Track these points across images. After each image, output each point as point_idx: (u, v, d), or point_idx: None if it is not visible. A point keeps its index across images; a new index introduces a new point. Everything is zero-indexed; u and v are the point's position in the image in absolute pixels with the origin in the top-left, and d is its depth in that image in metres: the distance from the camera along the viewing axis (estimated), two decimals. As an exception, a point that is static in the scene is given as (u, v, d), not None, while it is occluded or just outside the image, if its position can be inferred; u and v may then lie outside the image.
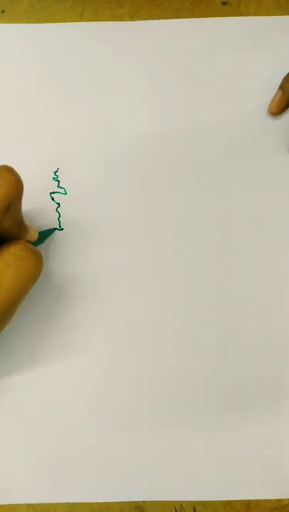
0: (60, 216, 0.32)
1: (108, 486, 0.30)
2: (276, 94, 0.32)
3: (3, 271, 0.22)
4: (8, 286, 0.22)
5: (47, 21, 0.34)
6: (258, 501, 0.30)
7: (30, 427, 0.30)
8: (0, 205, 0.21)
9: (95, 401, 0.30)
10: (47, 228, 0.31)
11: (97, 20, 0.34)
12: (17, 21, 0.34)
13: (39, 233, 0.27)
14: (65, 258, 0.31)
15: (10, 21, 0.34)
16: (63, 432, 0.30)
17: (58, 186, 0.32)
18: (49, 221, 0.32)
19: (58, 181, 0.32)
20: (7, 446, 0.30)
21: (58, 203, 0.32)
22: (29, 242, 0.25)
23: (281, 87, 0.32)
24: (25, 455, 0.30)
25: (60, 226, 0.32)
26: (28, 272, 0.22)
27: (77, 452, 0.30)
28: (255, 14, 0.33)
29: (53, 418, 0.30)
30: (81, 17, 0.34)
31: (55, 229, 0.31)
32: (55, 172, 0.32)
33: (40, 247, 0.29)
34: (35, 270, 0.23)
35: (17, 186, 0.22)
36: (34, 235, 0.26)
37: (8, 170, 0.22)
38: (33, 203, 0.32)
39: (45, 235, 0.30)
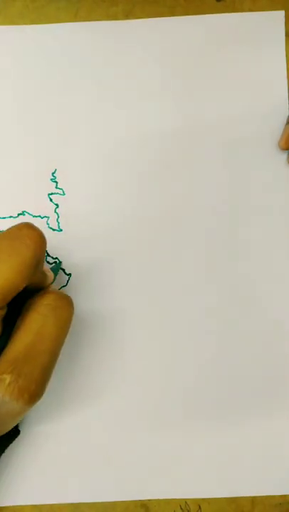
0: (58, 217, 0.32)
1: (112, 485, 0.30)
2: (285, 129, 0.31)
3: (42, 324, 0.22)
4: (50, 338, 0.22)
5: (41, 22, 0.34)
6: (262, 497, 0.30)
7: (34, 427, 0.30)
8: (31, 265, 0.21)
9: (99, 401, 0.30)
10: (52, 264, 0.31)
11: (92, 20, 0.34)
12: (11, 23, 0.34)
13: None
14: (64, 259, 0.31)
15: (3, 23, 0.34)
16: (67, 432, 0.30)
17: (56, 187, 0.32)
18: (47, 223, 0.32)
19: (56, 182, 0.32)
20: (11, 448, 0.30)
21: (57, 204, 0.32)
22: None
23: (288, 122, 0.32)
24: (29, 457, 0.30)
25: (59, 227, 0.32)
26: (65, 319, 0.23)
27: (82, 452, 0.30)
28: (250, 10, 0.33)
29: (58, 419, 0.30)
30: (75, 17, 0.34)
31: (60, 262, 0.31)
32: (53, 173, 0.32)
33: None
34: (70, 315, 0.23)
35: (42, 242, 0.22)
36: (51, 277, 0.26)
37: (30, 227, 0.22)
38: (31, 205, 0.32)
39: (55, 271, 0.30)
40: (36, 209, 0.32)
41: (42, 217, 0.32)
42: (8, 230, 0.22)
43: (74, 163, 0.32)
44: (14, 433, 0.26)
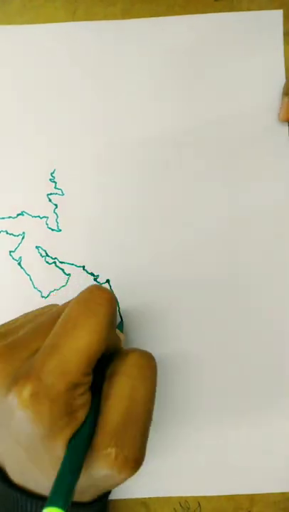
0: (57, 218, 0.32)
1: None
2: (282, 101, 0.32)
3: (133, 387, 0.21)
4: (144, 399, 0.21)
5: (39, 21, 0.34)
6: (261, 495, 0.30)
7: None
8: (108, 323, 0.21)
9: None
10: (51, 264, 0.31)
11: (90, 19, 0.33)
12: (9, 22, 0.34)
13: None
14: (63, 259, 0.31)
15: (1, 22, 0.34)
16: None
17: (55, 188, 0.32)
18: (47, 223, 0.32)
19: (55, 182, 0.32)
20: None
21: (56, 205, 0.32)
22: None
23: (286, 93, 0.32)
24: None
25: (58, 227, 0.32)
26: (152, 376, 0.22)
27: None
28: (248, 9, 0.33)
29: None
30: (73, 16, 0.34)
31: (122, 321, 0.31)
32: (52, 173, 0.32)
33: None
34: (155, 371, 0.23)
35: (113, 300, 0.21)
36: (123, 337, 0.26)
37: (99, 288, 0.21)
38: (31, 205, 0.32)
39: (120, 330, 0.30)
40: (35, 209, 0.32)
41: (41, 218, 0.32)
42: (79, 295, 0.21)
43: (73, 164, 0.32)
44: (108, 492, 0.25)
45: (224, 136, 0.32)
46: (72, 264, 0.31)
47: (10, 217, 0.32)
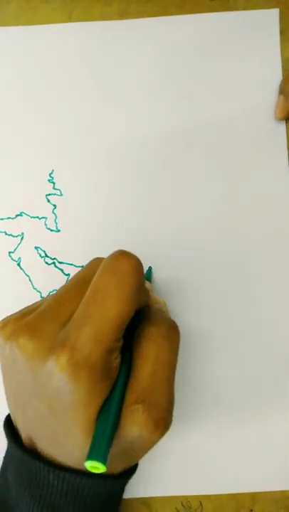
0: (56, 218, 0.32)
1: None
2: (278, 99, 0.32)
3: (158, 352, 0.22)
4: (168, 364, 0.22)
5: (36, 23, 0.34)
6: (263, 493, 0.30)
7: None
8: (137, 289, 0.21)
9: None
10: (50, 264, 0.32)
11: (87, 20, 0.34)
12: (5, 24, 0.34)
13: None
14: (62, 259, 0.32)
15: (-1, 24, 0.34)
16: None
17: (54, 188, 0.32)
18: (45, 223, 0.32)
19: (54, 183, 0.32)
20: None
21: (55, 205, 0.32)
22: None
23: (281, 91, 0.32)
24: None
25: (57, 228, 0.32)
26: (176, 345, 0.23)
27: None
28: (244, 8, 0.33)
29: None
30: (70, 17, 0.34)
31: (150, 268, 0.31)
32: (50, 174, 0.32)
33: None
34: (179, 341, 0.24)
35: (140, 265, 0.22)
36: (149, 286, 0.26)
37: (125, 254, 0.22)
38: (29, 206, 0.32)
39: (148, 276, 0.30)
40: (34, 210, 0.32)
41: (40, 218, 0.32)
42: (104, 263, 0.22)
43: (71, 164, 0.32)
44: (135, 466, 0.26)
45: (222, 134, 0.32)
46: (72, 264, 0.31)
47: (9, 217, 0.32)
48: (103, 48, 0.33)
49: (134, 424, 0.20)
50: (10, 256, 0.32)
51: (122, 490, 0.26)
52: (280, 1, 0.33)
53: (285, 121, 0.32)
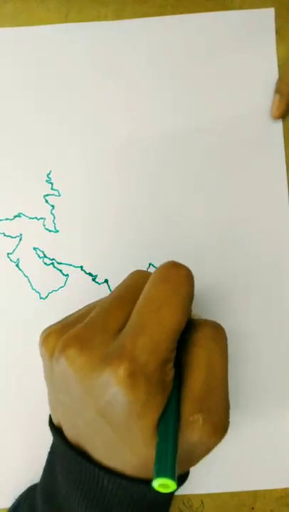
0: (54, 218, 0.32)
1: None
2: (274, 98, 0.32)
3: (209, 357, 0.22)
4: (220, 368, 0.22)
5: (32, 23, 0.34)
6: (264, 491, 0.30)
7: (35, 429, 0.30)
8: (190, 300, 0.22)
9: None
10: (49, 265, 0.31)
11: (83, 21, 0.34)
12: (1, 25, 0.34)
13: None
14: (61, 260, 0.32)
15: (-5, 25, 0.34)
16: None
17: (52, 189, 0.32)
18: (44, 224, 0.32)
19: (52, 183, 0.32)
20: (13, 450, 0.31)
21: (53, 205, 0.32)
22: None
23: (277, 90, 0.32)
24: (31, 456, 0.30)
25: (55, 228, 0.32)
26: (225, 345, 0.23)
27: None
28: (240, 8, 0.33)
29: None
30: (66, 18, 0.34)
31: None
32: (48, 174, 0.32)
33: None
34: (226, 340, 0.24)
35: (192, 277, 0.22)
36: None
37: (177, 265, 0.22)
38: (27, 207, 0.32)
39: None
40: (32, 211, 0.32)
41: (38, 219, 0.32)
42: (156, 273, 0.22)
43: (69, 164, 0.32)
44: (188, 472, 0.26)
45: (219, 133, 0.32)
46: (71, 265, 0.31)
47: (7, 219, 0.32)
48: (99, 49, 0.33)
49: (193, 434, 0.20)
50: (8, 257, 0.32)
51: (172, 496, 0.26)
52: (275, 0, 0.33)
53: (282, 120, 0.32)
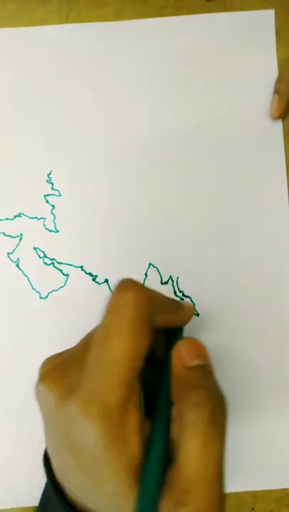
0: (55, 218, 0.32)
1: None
2: (273, 98, 0.32)
3: (206, 446, 0.20)
4: (218, 460, 0.21)
5: (33, 24, 0.34)
6: (264, 492, 0.30)
7: (35, 429, 0.30)
8: (144, 320, 0.19)
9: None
10: (49, 265, 0.32)
11: (83, 22, 0.34)
12: (2, 25, 0.34)
13: None
14: (61, 260, 0.31)
15: (-4, 26, 0.34)
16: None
17: (52, 189, 0.32)
18: (44, 224, 0.32)
19: (52, 183, 0.32)
20: (13, 452, 0.30)
21: (53, 205, 0.32)
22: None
23: (276, 90, 0.32)
24: (31, 457, 0.30)
25: (55, 228, 0.32)
26: (225, 429, 0.21)
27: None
28: (240, 9, 0.34)
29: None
30: (67, 19, 0.34)
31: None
32: (49, 174, 0.32)
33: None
34: (227, 418, 0.22)
35: (143, 294, 0.20)
36: (190, 309, 0.24)
37: (127, 286, 0.20)
38: (28, 206, 0.32)
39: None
40: (33, 210, 0.32)
41: (38, 219, 0.32)
42: (108, 300, 0.20)
43: (69, 164, 0.32)
44: None
45: (219, 134, 0.33)
46: (71, 265, 0.31)
47: (7, 218, 0.32)
48: (100, 50, 0.33)
49: None
50: (9, 257, 0.32)
51: None
52: (275, 1, 0.34)
53: (281, 120, 0.33)
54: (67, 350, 0.22)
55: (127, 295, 0.20)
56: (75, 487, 0.20)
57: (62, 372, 0.20)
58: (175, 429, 0.20)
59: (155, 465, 0.18)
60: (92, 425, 0.18)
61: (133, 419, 0.18)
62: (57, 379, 0.20)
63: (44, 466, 0.22)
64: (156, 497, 0.18)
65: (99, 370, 0.19)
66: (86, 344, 0.20)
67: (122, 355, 0.19)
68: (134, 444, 0.18)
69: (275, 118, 0.32)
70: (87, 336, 0.21)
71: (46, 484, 0.24)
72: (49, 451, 0.21)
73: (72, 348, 0.21)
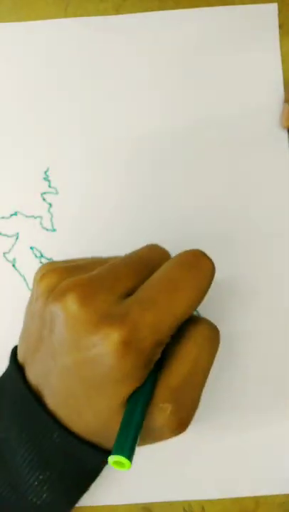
0: (52, 217, 0.31)
1: (115, 488, 0.29)
2: (284, 108, 0.31)
3: (198, 355, 0.22)
4: (205, 369, 0.22)
5: (30, 18, 0.33)
6: (266, 497, 0.30)
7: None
8: (205, 294, 0.21)
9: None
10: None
11: (82, 15, 0.33)
12: (0, 20, 0.33)
13: None
14: (58, 259, 0.31)
15: (-8, 20, 0.33)
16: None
17: (49, 186, 0.32)
18: (41, 222, 0.31)
19: (49, 181, 0.32)
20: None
21: (50, 204, 0.32)
22: None
23: (286, 100, 0.32)
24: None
25: (52, 227, 0.31)
26: (215, 350, 0.23)
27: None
28: (242, 3, 0.33)
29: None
30: (65, 12, 0.33)
31: None
32: (46, 172, 0.32)
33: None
34: (218, 347, 0.23)
35: (214, 272, 0.22)
36: None
37: (205, 256, 0.22)
38: (24, 205, 0.32)
39: None
40: (29, 209, 0.32)
41: (35, 218, 0.31)
42: (183, 256, 0.22)
43: (67, 162, 0.32)
44: None
45: (221, 131, 0.32)
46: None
47: (3, 217, 0.31)
48: (99, 44, 0.33)
49: (157, 420, 0.20)
50: (5, 256, 0.31)
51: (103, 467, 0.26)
52: (278, -6, 0.33)
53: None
54: (78, 264, 0.23)
55: (210, 265, 0.22)
56: (60, 397, 0.21)
57: (91, 294, 0.20)
58: (170, 350, 0.22)
59: (149, 384, 0.20)
60: (124, 358, 0.19)
61: (155, 359, 0.20)
62: (86, 301, 0.20)
63: (13, 358, 0.24)
64: (138, 430, 0.19)
65: (153, 312, 0.19)
66: (117, 276, 0.21)
67: (180, 311, 0.20)
68: (145, 375, 0.20)
69: (286, 128, 0.32)
70: (115, 268, 0.22)
71: (3, 385, 0.25)
72: (39, 356, 0.22)
73: (97, 270, 0.21)
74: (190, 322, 0.23)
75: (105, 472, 0.29)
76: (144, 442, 0.22)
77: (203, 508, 0.30)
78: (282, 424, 0.30)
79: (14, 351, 0.25)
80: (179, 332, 0.22)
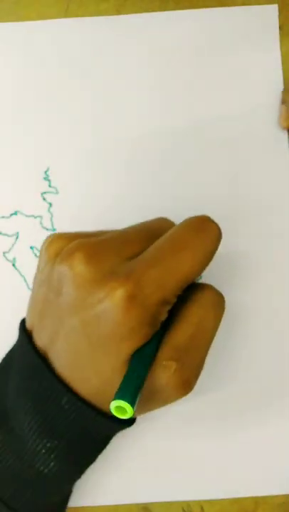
0: (52, 217, 0.31)
1: (114, 488, 0.29)
2: (281, 109, 0.31)
3: (203, 318, 0.22)
4: (209, 332, 0.22)
5: (31, 18, 0.33)
6: (265, 497, 0.30)
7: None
8: (211, 258, 0.22)
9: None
10: None
11: (83, 15, 0.33)
12: (0, 19, 0.33)
13: None
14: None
15: (-7, 19, 0.33)
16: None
17: (49, 186, 0.32)
18: (41, 222, 0.31)
19: (49, 181, 0.32)
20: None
21: (50, 203, 0.31)
22: None
23: (284, 101, 0.32)
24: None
25: (52, 226, 0.31)
26: (220, 315, 0.23)
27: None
28: (243, 4, 0.33)
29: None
30: (66, 12, 0.33)
31: None
32: (46, 171, 0.32)
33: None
34: (223, 312, 0.24)
35: (221, 237, 0.22)
36: None
37: (212, 221, 0.22)
38: (24, 204, 0.31)
39: None
40: (29, 208, 0.31)
41: (35, 217, 0.31)
42: (190, 220, 0.22)
43: (67, 161, 0.32)
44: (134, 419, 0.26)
45: (221, 132, 0.32)
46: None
47: (3, 216, 0.31)
48: (99, 44, 0.33)
49: (161, 378, 0.20)
50: (5, 256, 0.31)
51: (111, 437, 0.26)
52: (278, -5, 0.33)
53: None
54: (92, 234, 0.23)
55: (217, 229, 0.22)
56: (66, 359, 0.21)
57: (98, 253, 0.20)
58: (178, 311, 0.22)
59: (154, 344, 0.21)
60: (129, 313, 0.19)
61: (161, 319, 0.21)
62: (92, 258, 0.20)
63: (22, 327, 0.24)
64: (143, 379, 0.19)
65: (159, 269, 0.20)
66: (126, 240, 0.22)
67: (187, 271, 0.20)
68: (150, 333, 0.20)
69: (285, 128, 0.32)
70: (124, 233, 0.22)
71: (14, 353, 0.25)
72: (48, 321, 0.22)
73: (104, 235, 0.22)
74: (196, 288, 0.23)
75: (105, 472, 0.29)
76: (150, 406, 0.22)
77: (202, 508, 0.30)
78: (283, 425, 0.30)
79: (23, 321, 0.25)
80: (186, 297, 0.22)
